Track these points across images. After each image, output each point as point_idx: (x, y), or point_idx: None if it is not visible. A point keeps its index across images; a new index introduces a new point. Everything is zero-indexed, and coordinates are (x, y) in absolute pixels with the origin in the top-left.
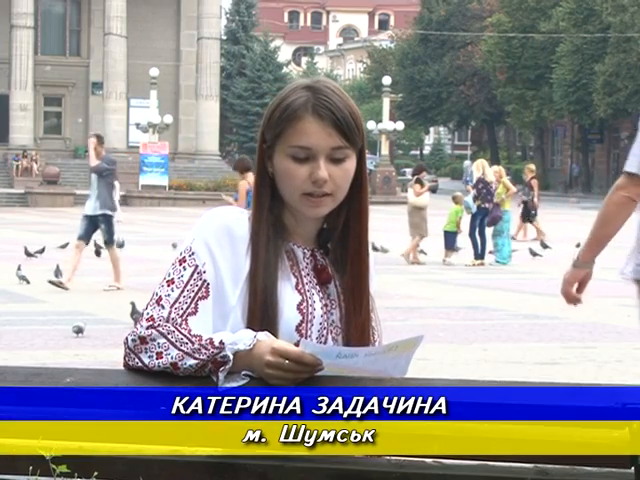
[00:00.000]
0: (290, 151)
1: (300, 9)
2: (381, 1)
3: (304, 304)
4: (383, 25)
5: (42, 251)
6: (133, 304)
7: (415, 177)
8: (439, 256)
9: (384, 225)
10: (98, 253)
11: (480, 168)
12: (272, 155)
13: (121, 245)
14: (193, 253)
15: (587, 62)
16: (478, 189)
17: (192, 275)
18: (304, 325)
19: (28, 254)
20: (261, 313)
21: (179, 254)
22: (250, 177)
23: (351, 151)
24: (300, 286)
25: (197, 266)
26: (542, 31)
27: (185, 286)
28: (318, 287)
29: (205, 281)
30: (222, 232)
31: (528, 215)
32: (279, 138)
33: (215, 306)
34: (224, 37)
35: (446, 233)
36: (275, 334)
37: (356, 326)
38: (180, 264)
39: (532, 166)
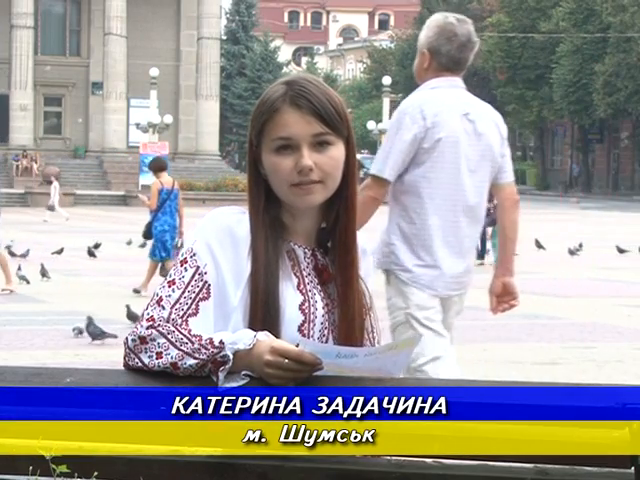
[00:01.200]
0: (273, 145)
1: (300, 9)
2: (381, 1)
3: (306, 304)
4: (383, 25)
5: (60, 251)
6: (128, 307)
7: None
8: None
9: (383, 225)
10: (92, 253)
11: None
12: (260, 155)
13: (143, 245)
14: (194, 254)
15: (587, 62)
16: None
17: (193, 276)
18: (306, 325)
19: (12, 254)
20: (263, 314)
21: (181, 255)
22: (164, 177)
23: (335, 138)
24: (302, 286)
25: (198, 267)
26: (542, 31)
27: (186, 287)
28: (319, 287)
29: (206, 282)
30: (224, 233)
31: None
32: (262, 135)
33: (217, 307)
34: (224, 37)
35: None
36: (277, 334)
37: (343, 318)
38: (181, 265)
39: None
